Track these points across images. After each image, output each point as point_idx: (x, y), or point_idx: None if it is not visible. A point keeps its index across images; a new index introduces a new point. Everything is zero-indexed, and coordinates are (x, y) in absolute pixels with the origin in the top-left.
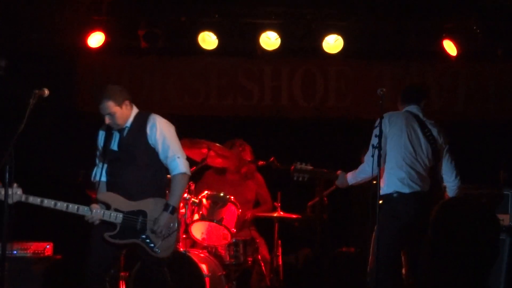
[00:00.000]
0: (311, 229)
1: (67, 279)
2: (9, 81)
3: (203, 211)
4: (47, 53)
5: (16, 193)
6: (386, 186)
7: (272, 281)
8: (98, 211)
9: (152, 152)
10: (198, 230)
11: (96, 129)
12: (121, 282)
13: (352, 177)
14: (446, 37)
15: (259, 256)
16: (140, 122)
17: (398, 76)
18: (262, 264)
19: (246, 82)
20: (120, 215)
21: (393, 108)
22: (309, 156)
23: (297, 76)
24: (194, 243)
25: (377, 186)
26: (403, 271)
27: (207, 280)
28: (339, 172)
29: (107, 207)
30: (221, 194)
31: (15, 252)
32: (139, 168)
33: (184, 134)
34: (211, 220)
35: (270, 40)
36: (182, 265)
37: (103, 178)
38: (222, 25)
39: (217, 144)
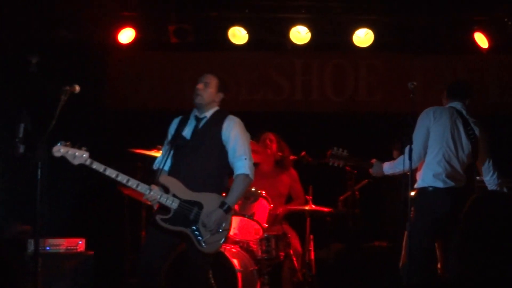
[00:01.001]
0: (343, 224)
1: (99, 275)
2: (40, 78)
3: (235, 206)
4: (78, 49)
5: (82, 155)
6: (422, 180)
7: (304, 275)
8: (156, 192)
9: (221, 149)
10: None
11: (125, 124)
12: None
13: (390, 167)
14: (477, 30)
15: (291, 251)
16: (219, 117)
17: (429, 69)
18: (294, 259)
19: (277, 77)
20: (177, 201)
21: (423, 101)
22: None
23: (327, 70)
24: (226, 238)
25: (409, 179)
26: (438, 265)
27: (239, 275)
28: (373, 160)
29: (166, 191)
30: (253, 189)
31: (48, 248)
32: (205, 160)
33: None
34: (243, 215)
35: (300, 34)
36: (214, 260)
37: (166, 167)
38: (252, 19)
39: None
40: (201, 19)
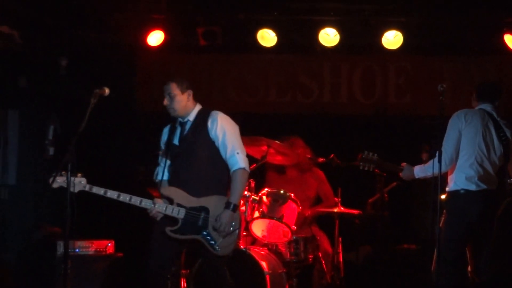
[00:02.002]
0: (371, 226)
1: (128, 277)
2: (70, 80)
3: (264, 208)
4: (107, 52)
5: (80, 182)
6: (454, 183)
7: (332, 278)
8: (161, 205)
9: (212, 148)
10: (258, 228)
11: (155, 126)
12: (182, 279)
13: (421, 171)
14: (507, 32)
15: (320, 253)
16: (202, 117)
17: (459, 71)
18: (323, 261)
19: (305, 79)
20: (183, 210)
21: (453, 104)
22: None
23: (356, 72)
24: (254, 241)
25: (438, 182)
26: (469, 268)
27: (267, 277)
28: (404, 164)
29: (170, 202)
30: (281, 192)
31: (78, 250)
32: (199, 163)
33: (243, 131)
34: (272, 218)
35: (329, 36)
36: (243, 262)
37: (165, 177)
38: (281, 22)
39: (277, 141)
40: (230, 21)
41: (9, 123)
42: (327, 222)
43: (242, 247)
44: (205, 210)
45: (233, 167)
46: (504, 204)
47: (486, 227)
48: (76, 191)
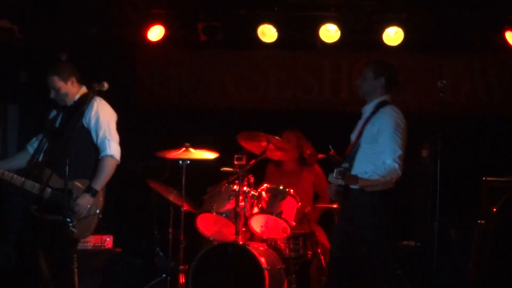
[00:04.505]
0: None
1: (126, 272)
2: None
3: (263, 204)
4: (107, 46)
5: None
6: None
7: None
8: (30, 183)
9: (84, 132)
10: (257, 223)
11: (155, 121)
12: (180, 275)
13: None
14: (508, 29)
15: (319, 249)
16: (82, 102)
17: (459, 68)
18: (322, 258)
19: (306, 75)
20: (49, 191)
21: (453, 101)
22: None
23: (357, 69)
24: (253, 236)
25: (438, 179)
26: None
27: (266, 273)
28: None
29: (39, 181)
30: (281, 187)
31: None
32: (71, 146)
33: (243, 127)
34: (271, 213)
35: (329, 32)
36: (242, 258)
37: (30, 150)
38: (282, 18)
39: (276, 137)
40: (230, 17)
41: (9, 117)
42: (326, 218)
43: (241, 242)
44: (69, 193)
45: (101, 153)
46: (502, 200)
47: None
48: None
